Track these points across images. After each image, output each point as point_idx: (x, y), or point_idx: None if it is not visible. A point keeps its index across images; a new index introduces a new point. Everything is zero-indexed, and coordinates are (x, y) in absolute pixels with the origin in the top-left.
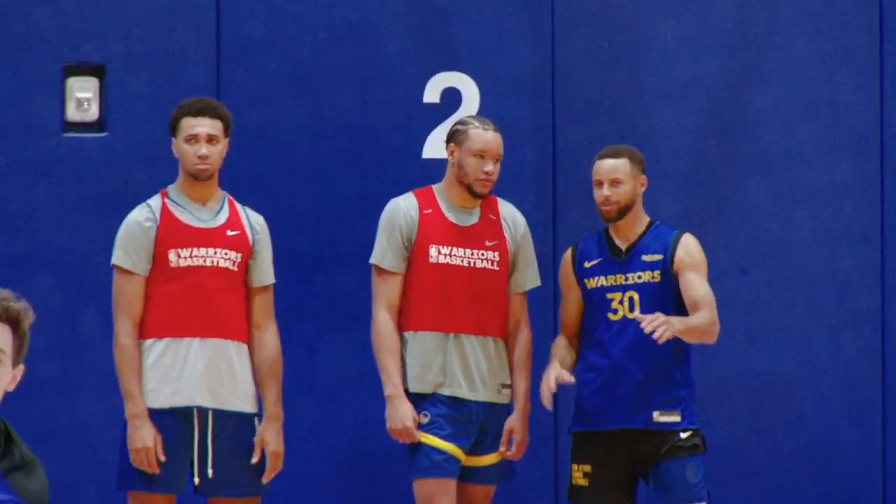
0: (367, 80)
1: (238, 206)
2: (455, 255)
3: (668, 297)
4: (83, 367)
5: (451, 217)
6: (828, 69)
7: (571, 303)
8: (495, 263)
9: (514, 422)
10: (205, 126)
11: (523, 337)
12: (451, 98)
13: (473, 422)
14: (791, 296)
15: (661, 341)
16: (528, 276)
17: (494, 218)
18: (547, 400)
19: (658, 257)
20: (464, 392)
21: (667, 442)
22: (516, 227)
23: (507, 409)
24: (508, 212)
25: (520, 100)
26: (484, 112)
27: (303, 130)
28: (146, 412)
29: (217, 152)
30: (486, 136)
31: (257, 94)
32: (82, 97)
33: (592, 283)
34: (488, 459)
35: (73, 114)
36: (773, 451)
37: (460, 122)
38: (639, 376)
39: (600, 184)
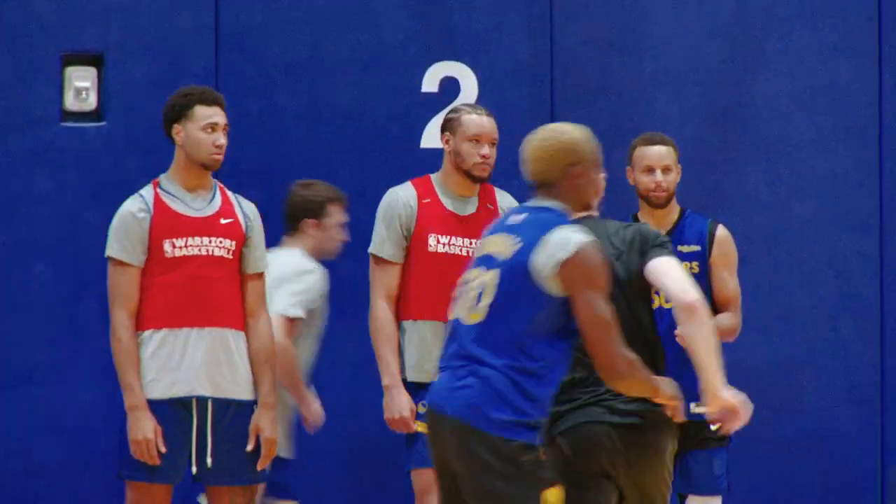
0: (366, 68)
1: (230, 193)
2: (454, 245)
3: (704, 287)
4: (81, 355)
5: (449, 206)
6: (826, 57)
7: None
8: None
9: None
10: (220, 116)
11: None
12: (450, 87)
13: None
14: (790, 283)
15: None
16: None
17: (492, 207)
18: None
19: (696, 248)
20: None
21: (698, 433)
22: None
23: None
24: (506, 201)
25: (518, 88)
26: (482, 101)
27: (301, 119)
28: (146, 404)
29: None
30: (479, 121)
31: (256, 83)
32: (81, 86)
33: None
34: None
35: (71, 103)
36: (773, 437)
37: (453, 111)
38: (676, 366)
39: (651, 170)
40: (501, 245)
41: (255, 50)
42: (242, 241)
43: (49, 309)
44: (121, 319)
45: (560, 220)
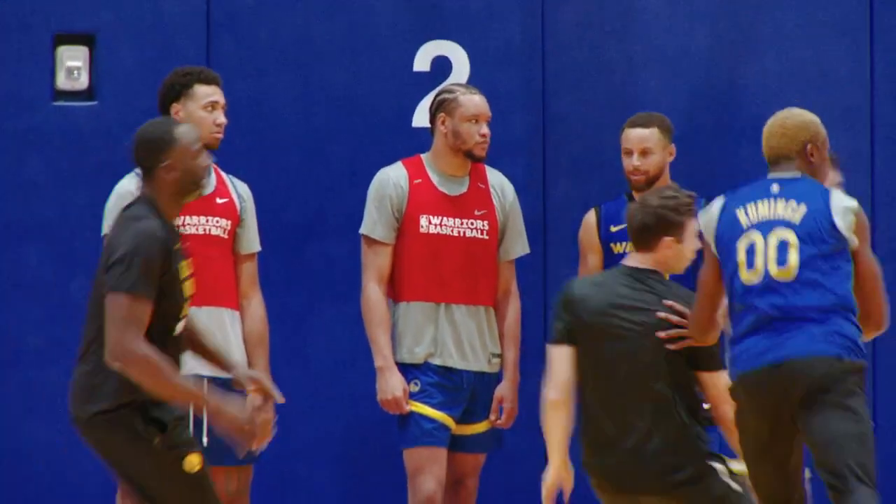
0: (357, 49)
1: (223, 174)
2: (445, 225)
3: (696, 265)
4: (73, 337)
5: (440, 187)
6: (818, 38)
7: (592, 265)
8: (485, 232)
9: (503, 390)
10: (220, 95)
11: (513, 306)
12: (442, 67)
13: (464, 391)
14: None
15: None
16: (518, 245)
17: (483, 187)
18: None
19: None
20: (454, 361)
21: None
22: (505, 195)
23: (496, 379)
24: (497, 180)
25: (510, 68)
26: (474, 81)
27: (293, 100)
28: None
29: None
30: (476, 100)
31: (247, 64)
32: (72, 66)
33: (619, 247)
34: (478, 428)
35: (63, 83)
36: None
37: (446, 91)
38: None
39: (630, 153)
40: (778, 209)
41: (246, 32)
42: (237, 221)
43: (40, 290)
44: None
45: (819, 185)
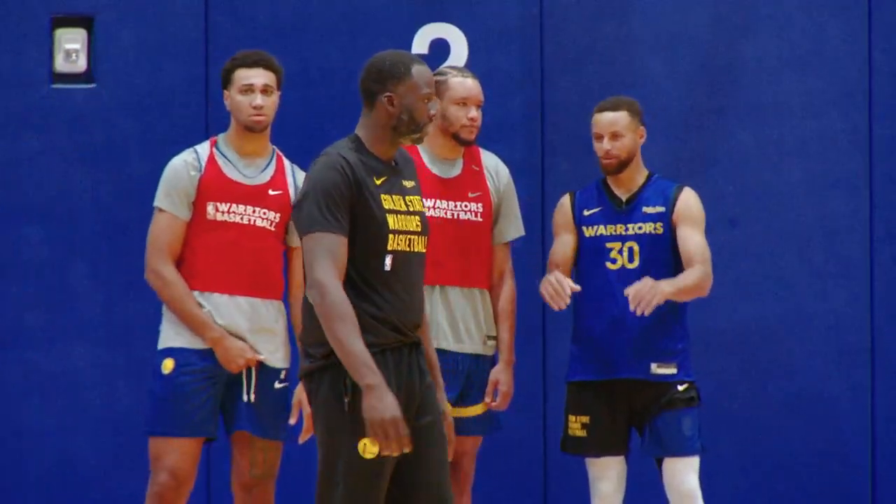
0: (356, 30)
1: (286, 163)
2: (439, 208)
3: (668, 248)
4: (71, 318)
5: (434, 169)
6: (816, 19)
7: (566, 243)
8: (479, 214)
9: (499, 373)
10: (260, 77)
11: (507, 288)
12: (440, 49)
13: (459, 373)
14: (780, 245)
15: (647, 313)
16: (512, 227)
17: (477, 169)
18: (555, 297)
19: (660, 209)
20: (449, 344)
21: (664, 394)
22: (499, 177)
23: (492, 361)
24: (491, 162)
25: (508, 51)
26: (472, 63)
27: (291, 81)
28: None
29: (272, 103)
30: (466, 83)
31: (245, 45)
32: (71, 48)
33: (591, 231)
34: (474, 411)
35: (61, 65)
36: (762, 400)
37: (438, 73)
38: (638, 327)
39: (600, 137)
40: None
41: (244, 12)
42: (289, 213)
43: (39, 271)
44: (164, 262)
45: None
